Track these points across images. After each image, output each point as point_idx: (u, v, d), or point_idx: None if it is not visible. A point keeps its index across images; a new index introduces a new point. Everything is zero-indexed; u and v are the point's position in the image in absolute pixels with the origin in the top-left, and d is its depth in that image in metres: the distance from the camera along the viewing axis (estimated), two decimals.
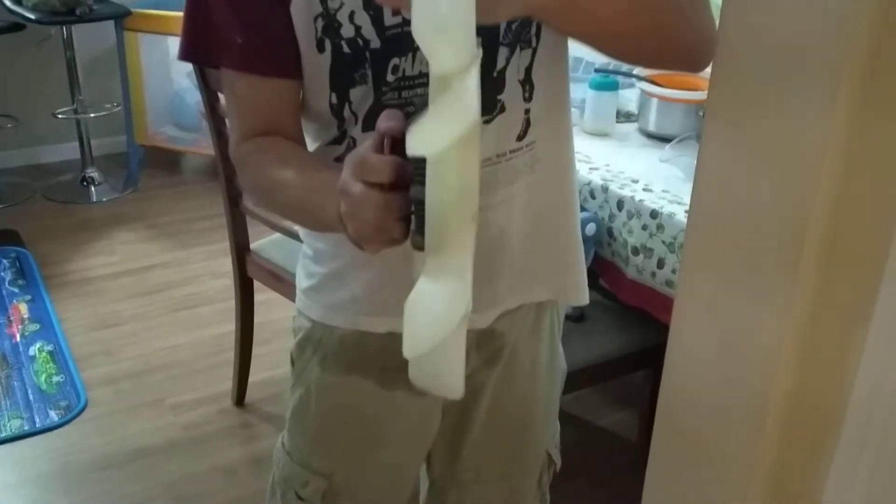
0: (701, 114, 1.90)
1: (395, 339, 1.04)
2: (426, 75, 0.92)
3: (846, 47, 0.55)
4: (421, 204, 0.70)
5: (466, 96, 0.65)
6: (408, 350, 0.70)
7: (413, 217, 0.73)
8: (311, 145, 1.02)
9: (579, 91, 2.00)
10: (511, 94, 0.96)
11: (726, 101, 0.65)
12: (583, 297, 1.15)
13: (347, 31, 0.91)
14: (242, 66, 0.95)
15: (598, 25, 0.85)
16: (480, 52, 0.66)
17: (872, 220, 0.57)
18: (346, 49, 0.92)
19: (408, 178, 0.73)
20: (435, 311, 0.70)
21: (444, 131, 0.66)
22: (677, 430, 0.77)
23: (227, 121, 1.99)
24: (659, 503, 0.79)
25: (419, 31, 0.65)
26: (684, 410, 0.76)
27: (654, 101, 1.96)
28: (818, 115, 0.57)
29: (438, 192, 0.69)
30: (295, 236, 2.01)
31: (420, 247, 0.72)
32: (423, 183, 0.69)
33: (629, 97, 2.16)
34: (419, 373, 0.77)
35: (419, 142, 0.66)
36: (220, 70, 0.97)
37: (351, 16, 0.90)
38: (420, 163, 0.70)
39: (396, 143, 0.75)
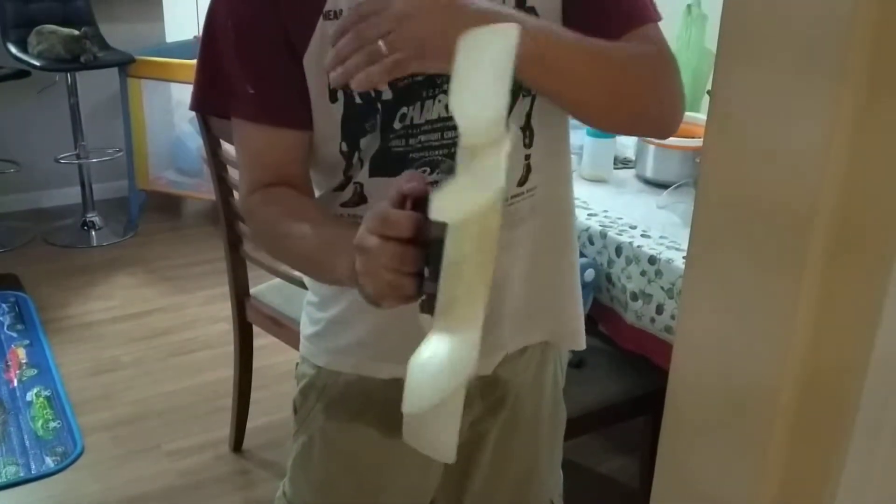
0: (697, 160, 1.92)
1: (398, 385, 1.04)
2: (431, 122, 0.94)
3: (852, 30, 0.55)
4: (439, 244, 0.71)
5: (494, 170, 0.67)
6: (407, 405, 0.70)
7: (427, 266, 0.74)
8: (317, 191, 1.03)
9: (577, 137, 2.02)
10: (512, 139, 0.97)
11: (732, 92, 0.65)
12: (580, 341, 1.15)
13: None
14: (253, 117, 0.96)
15: (569, 83, 0.87)
16: (514, 129, 0.68)
17: (880, 211, 0.57)
18: (358, 100, 0.93)
19: (425, 234, 0.74)
20: (438, 370, 0.70)
21: (467, 200, 0.68)
22: (677, 477, 0.77)
23: (233, 169, 2.01)
24: None
25: (456, 104, 0.68)
26: (684, 456, 0.76)
27: (651, 147, 1.98)
28: (825, 100, 0.57)
29: (456, 255, 0.70)
30: (295, 281, 2.02)
31: (429, 309, 0.73)
32: (442, 228, 0.70)
33: (626, 143, 2.19)
34: (414, 432, 0.77)
35: (443, 207, 0.68)
36: (232, 120, 0.98)
37: None
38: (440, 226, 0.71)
39: (416, 202, 0.76)
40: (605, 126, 1.11)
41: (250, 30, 0.93)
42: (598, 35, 0.90)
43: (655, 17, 0.95)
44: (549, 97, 0.92)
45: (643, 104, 0.93)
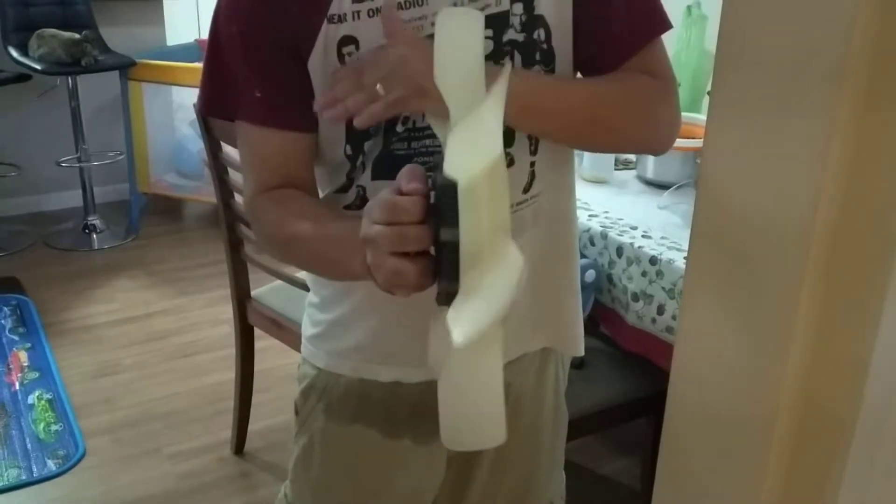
0: (698, 161, 1.92)
1: (399, 388, 1.05)
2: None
3: (851, 35, 0.55)
4: (450, 246, 0.72)
5: (494, 124, 0.73)
6: (456, 336, 0.69)
7: (442, 262, 0.74)
8: (320, 193, 1.03)
9: None
10: (519, 147, 0.98)
11: (729, 112, 0.65)
12: (579, 347, 1.15)
13: None
14: (260, 120, 0.96)
15: (554, 122, 0.94)
16: (508, 65, 0.74)
17: (881, 214, 0.57)
18: None
19: (428, 220, 0.75)
20: (479, 302, 0.72)
21: (476, 155, 0.71)
22: (679, 478, 0.77)
23: (234, 172, 2.01)
24: None
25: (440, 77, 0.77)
26: (686, 457, 0.76)
27: None
28: (823, 102, 0.57)
29: (472, 208, 0.71)
30: (296, 284, 2.02)
31: (446, 300, 0.73)
32: (453, 225, 0.71)
33: None
34: (456, 431, 0.78)
35: (456, 165, 0.71)
36: (237, 124, 0.98)
37: None
38: (450, 201, 0.71)
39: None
40: (593, 151, 1.17)
41: (256, 34, 0.93)
42: (604, 58, 0.95)
43: (665, 27, 0.97)
44: (540, 137, 0.97)
45: (633, 134, 0.99)
